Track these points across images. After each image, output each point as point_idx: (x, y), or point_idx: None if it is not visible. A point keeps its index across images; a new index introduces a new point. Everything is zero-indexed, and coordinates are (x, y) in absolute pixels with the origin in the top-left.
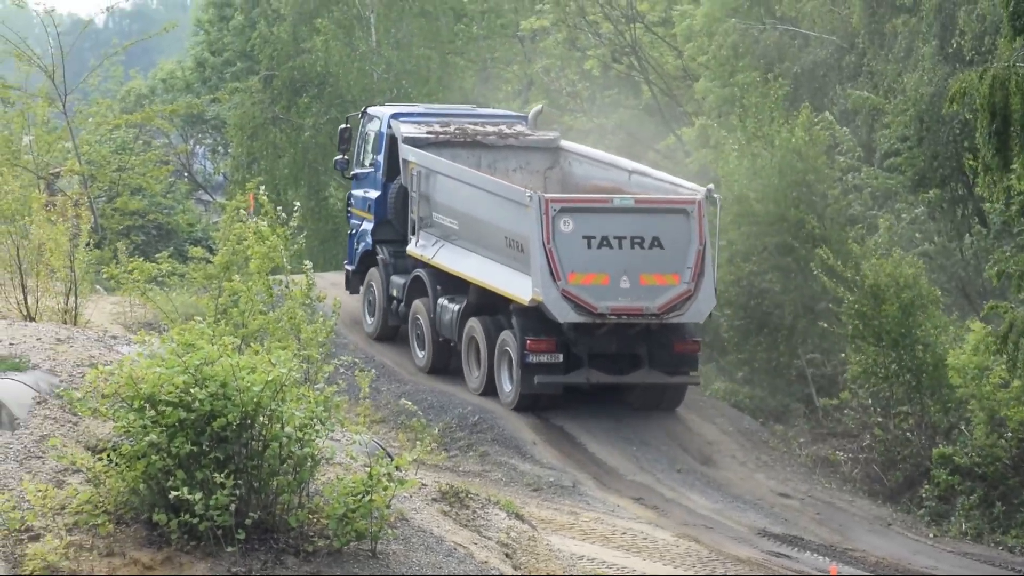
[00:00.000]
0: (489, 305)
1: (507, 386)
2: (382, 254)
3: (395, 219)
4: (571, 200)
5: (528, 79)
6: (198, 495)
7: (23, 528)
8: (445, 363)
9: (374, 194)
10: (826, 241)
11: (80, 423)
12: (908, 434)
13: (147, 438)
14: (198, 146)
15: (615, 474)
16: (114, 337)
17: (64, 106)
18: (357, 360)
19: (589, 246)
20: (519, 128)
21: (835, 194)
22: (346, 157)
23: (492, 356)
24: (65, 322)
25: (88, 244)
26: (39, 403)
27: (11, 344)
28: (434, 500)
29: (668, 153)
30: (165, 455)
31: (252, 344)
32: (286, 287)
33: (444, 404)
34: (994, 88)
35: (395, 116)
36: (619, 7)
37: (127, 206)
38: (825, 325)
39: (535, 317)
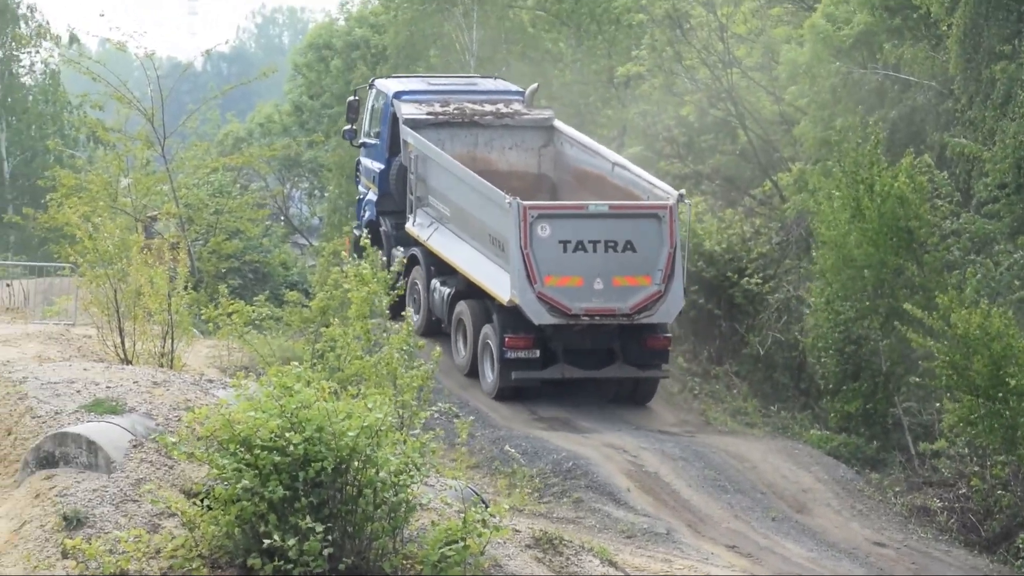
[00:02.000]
0: (476, 291)
1: (489, 376)
2: (385, 226)
3: (396, 193)
4: (548, 207)
5: (623, 124)
6: (292, 540)
7: (118, 572)
8: (436, 330)
9: (378, 167)
10: (924, 288)
11: (176, 467)
12: (1005, 484)
13: (241, 483)
14: (294, 190)
15: (709, 521)
16: (210, 381)
17: (163, 149)
18: (452, 406)
19: (565, 250)
20: (516, 107)
21: (934, 241)
22: (354, 128)
23: (477, 340)
24: (162, 365)
25: (185, 287)
26: (135, 446)
27: (108, 387)
28: (528, 546)
29: (764, 199)
30: (259, 500)
31: (348, 389)
32: (384, 332)
33: (538, 450)
34: None
35: (398, 95)
36: (716, 52)
37: (222, 248)
38: (918, 380)
39: (514, 314)
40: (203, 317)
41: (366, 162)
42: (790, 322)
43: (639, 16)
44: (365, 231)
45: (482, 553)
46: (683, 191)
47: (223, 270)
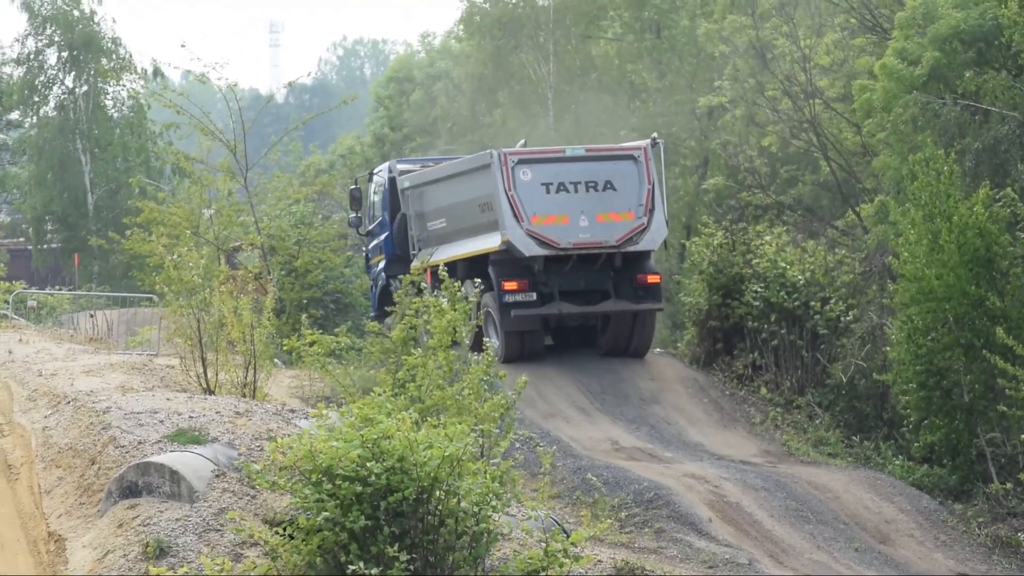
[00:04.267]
0: (476, 270)
1: (494, 340)
2: (395, 285)
3: (399, 248)
4: (526, 152)
5: (705, 154)
6: (375, 570)
7: None
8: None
9: (384, 235)
10: (1007, 318)
11: (258, 496)
12: None
13: (323, 513)
14: None
15: (792, 552)
16: (292, 411)
17: (245, 180)
18: (533, 435)
19: (548, 191)
20: None
21: (1016, 272)
22: (359, 215)
23: (479, 311)
24: (244, 395)
25: (268, 316)
26: (218, 476)
27: (191, 417)
28: None
29: (847, 229)
30: (340, 530)
31: (429, 419)
32: (465, 363)
33: (619, 480)
34: None
35: (397, 161)
36: (798, 83)
37: (307, 274)
38: (1004, 409)
39: (508, 263)
40: (283, 348)
41: (373, 243)
42: (873, 351)
43: (722, 47)
44: (381, 307)
45: None
46: (655, 134)
47: (305, 300)
